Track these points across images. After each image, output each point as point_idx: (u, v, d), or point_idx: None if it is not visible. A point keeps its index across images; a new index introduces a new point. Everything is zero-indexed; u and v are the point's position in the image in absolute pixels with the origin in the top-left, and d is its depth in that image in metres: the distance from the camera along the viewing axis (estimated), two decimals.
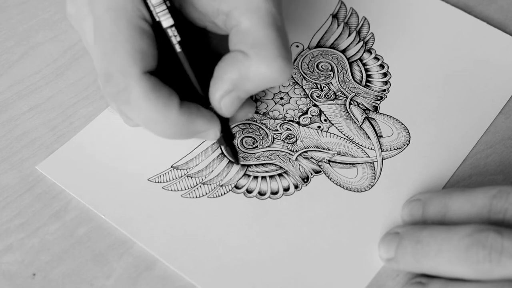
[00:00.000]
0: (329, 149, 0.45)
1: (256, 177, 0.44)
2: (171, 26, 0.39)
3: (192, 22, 0.41)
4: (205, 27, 0.42)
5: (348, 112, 0.47)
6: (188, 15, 0.41)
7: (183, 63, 0.40)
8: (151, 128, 0.40)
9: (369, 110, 0.47)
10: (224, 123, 0.42)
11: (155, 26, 0.39)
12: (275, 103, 0.48)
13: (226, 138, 0.42)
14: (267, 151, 0.45)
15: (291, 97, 0.48)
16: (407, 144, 0.46)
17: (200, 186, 0.43)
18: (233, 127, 0.46)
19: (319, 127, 0.46)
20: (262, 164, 0.45)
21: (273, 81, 0.39)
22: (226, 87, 0.39)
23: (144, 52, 0.38)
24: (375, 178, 0.44)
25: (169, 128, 0.39)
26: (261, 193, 0.43)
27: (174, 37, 0.39)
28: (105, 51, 0.38)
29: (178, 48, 0.39)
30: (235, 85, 0.39)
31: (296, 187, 0.44)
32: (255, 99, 0.48)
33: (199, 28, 0.42)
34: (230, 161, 0.45)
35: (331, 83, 0.49)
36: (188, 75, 0.40)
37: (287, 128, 0.46)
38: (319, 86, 0.49)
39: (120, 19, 0.38)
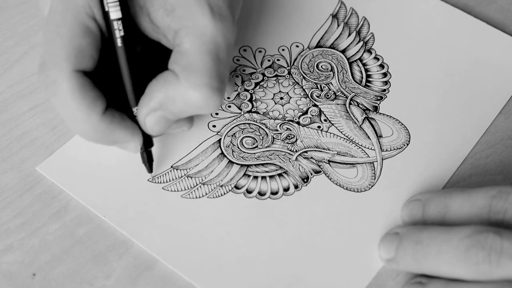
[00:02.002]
0: (329, 149, 0.45)
1: (256, 177, 0.44)
2: (118, 19, 0.39)
3: (147, 34, 0.41)
4: (159, 40, 0.42)
5: (348, 112, 0.47)
6: (142, 24, 0.41)
7: (120, 64, 0.40)
8: (72, 126, 0.40)
9: (369, 110, 0.47)
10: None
11: (108, 33, 0.39)
12: (275, 103, 0.48)
13: (145, 143, 0.42)
14: (267, 151, 0.45)
15: (291, 97, 0.48)
16: (407, 144, 0.46)
17: (200, 186, 0.43)
18: (233, 127, 0.46)
19: (319, 127, 0.46)
20: (262, 164, 0.45)
21: (198, 108, 0.39)
22: (152, 105, 0.39)
23: (82, 51, 0.38)
24: (375, 178, 0.44)
25: (88, 131, 0.40)
26: (261, 193, 0.43)
27: (118, 31, 0.39)
28: (46, 40, 0.39)
29: (119, 43, 0.39)
30: (162, 104, 0.39)
31: (296, 187, 0.44)
32: (255, 99, 0.48)
33: (155, 42, 0.42)
34: (230, 161, 0.45)
35: (331, 83, 0.49)
36: (124, 79, 0.40)
37: (287, 128, 0.46)
38: (319, 86, 0.49)
39: (67, 12, 0.38)
